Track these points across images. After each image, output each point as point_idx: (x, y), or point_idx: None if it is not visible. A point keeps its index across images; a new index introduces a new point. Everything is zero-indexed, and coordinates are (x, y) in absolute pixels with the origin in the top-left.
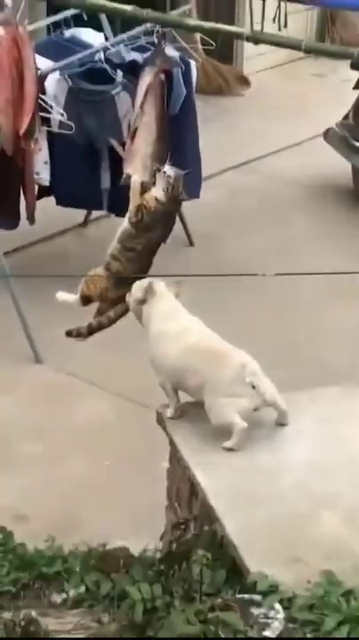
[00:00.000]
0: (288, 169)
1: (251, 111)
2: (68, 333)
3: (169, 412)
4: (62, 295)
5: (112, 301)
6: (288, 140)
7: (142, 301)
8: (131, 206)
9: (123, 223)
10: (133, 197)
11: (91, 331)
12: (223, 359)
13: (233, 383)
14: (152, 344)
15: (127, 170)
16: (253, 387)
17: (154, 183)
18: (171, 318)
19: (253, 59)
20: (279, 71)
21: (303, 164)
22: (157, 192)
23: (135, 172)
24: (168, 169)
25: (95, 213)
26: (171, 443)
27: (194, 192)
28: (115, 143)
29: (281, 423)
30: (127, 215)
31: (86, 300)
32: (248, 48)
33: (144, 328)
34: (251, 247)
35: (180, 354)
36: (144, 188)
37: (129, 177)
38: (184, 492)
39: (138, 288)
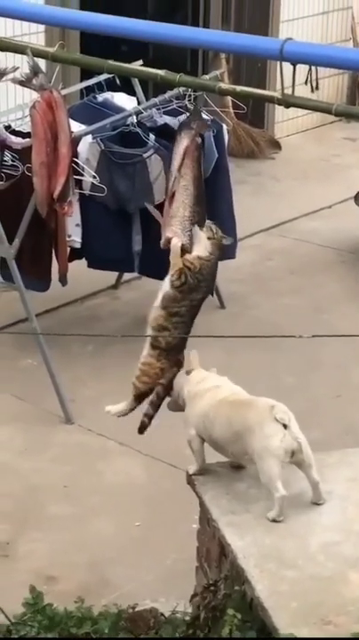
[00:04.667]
0: (319, 231)
1: (282, 174)
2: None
3: (192, 469)
4: (112, 408)
5: (171, 379)
6: (319, 203)
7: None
8: (173, 270)
9: (163, 288)
10: (174, 261)
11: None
12: (250, 404)
13: (261, 424)
14: (187, 404)
15: (167, 234)
16: (284, 426)
17: (191, 244)
18: (203, 382)
19: (284, 122)
20: (310, 135)
21: (334, 226)
22: (198, 250)
23: (175, 235)
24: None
25: (126, 275)
26: (201, 503)
27: (230, 253)
28: (150, 207)
29: (315, 502)
30: (168, 279)
31: (143, 396)
32: (279, 112)
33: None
34: (282, 309)
35: (212, 407)
36: (184, 251)
37: (168, 240)
38: (214, 553)
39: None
